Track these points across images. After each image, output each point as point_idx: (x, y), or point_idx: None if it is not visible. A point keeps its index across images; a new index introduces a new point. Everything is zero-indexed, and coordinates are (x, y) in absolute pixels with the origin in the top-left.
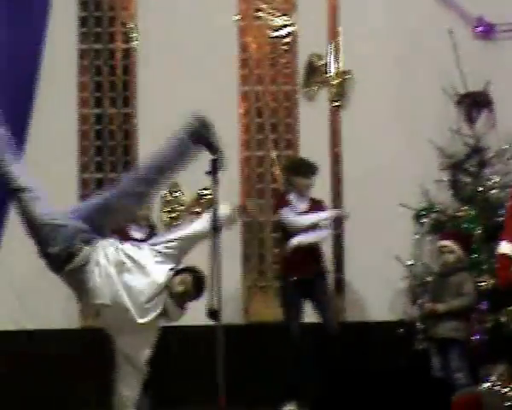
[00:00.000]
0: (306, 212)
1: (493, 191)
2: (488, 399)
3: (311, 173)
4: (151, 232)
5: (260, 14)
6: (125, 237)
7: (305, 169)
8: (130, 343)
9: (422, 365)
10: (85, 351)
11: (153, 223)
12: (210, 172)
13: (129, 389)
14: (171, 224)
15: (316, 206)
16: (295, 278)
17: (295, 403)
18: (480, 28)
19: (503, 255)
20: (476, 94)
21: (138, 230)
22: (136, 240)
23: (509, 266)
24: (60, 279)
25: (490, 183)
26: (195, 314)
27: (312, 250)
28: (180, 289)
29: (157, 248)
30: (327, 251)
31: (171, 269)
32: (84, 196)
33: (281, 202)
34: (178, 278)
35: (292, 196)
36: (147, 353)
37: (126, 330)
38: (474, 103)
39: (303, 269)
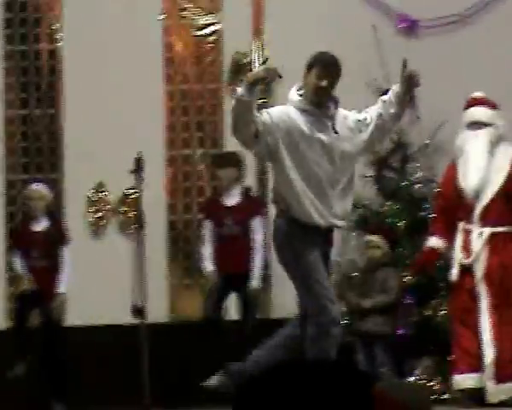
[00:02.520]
0: (235, 207)
1: (417, 186)
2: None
3: (225, 164)
4: None
5: (185, 13)
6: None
7: (219, 159)
8: None
9: (348, 359)
10: None
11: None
12: (134, 172)
13: None
14: (98, 224)
15: (248, 203)
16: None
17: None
18: (403, 24)
19: (431, 248)
20: None
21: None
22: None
23: (434, 258)
24: None
25: (413, 178)
26: (119, 313)
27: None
28: None
29: None
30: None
31: None
32: (10, 198)
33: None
34: None
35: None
36: None
37: None
38: None
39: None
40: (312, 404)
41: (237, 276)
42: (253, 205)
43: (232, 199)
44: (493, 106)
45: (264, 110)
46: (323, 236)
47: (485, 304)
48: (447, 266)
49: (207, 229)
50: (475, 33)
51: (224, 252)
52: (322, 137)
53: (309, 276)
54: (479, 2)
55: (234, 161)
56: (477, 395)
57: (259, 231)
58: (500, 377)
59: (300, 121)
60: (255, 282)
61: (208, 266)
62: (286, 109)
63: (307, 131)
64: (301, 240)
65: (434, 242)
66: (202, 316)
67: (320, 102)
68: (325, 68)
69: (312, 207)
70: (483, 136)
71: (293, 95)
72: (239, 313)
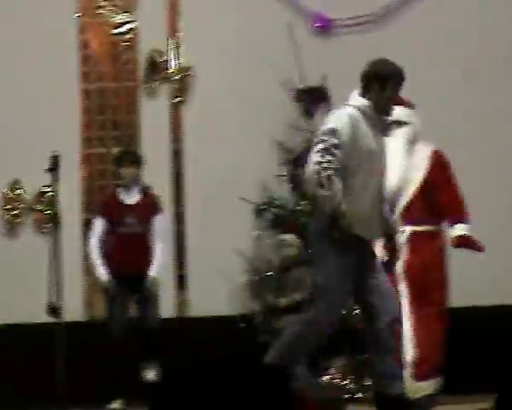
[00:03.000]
0: (136, 206)
1: None
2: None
3: (129, 162)
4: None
5: (101, 11)
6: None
7: (122, 158)
8: None
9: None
10: None
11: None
12: (50, 170)
13: None
14: (13, 222)
15: (148, 201)
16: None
17: (121, 400)
18: (318, 23)
19: None
20: (314, 89)
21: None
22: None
23: None
24: None
25: None
26: (35, 311)
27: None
28: None
29: None
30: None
31: None
32: None
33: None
34: None
35: (119, 190)
36: None
37: None
38: (312, 98)
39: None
40: (231, 401)
41: (139, 275)
42: (153, 203)
43: (132, 197)
44: (409, 105)
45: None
46: (363, 244)
47: (405, 302)
48: None
49: (100, 229)
50: (390, 33)
51: (126, 251)
52: (379, 146)
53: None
54: (394, 2)
55: (136, 159)
56: None
57: (161, 228)
58: (418, 375)
59: (366, 130)
60: (154, 272)
61: (103, 273)
62: (352, 120)
63: (371, 143)
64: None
65: None
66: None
67: (389, 114)
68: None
69: (364, 221)
70: (401, 135)
71: (360, 99)
72: (139, 311)
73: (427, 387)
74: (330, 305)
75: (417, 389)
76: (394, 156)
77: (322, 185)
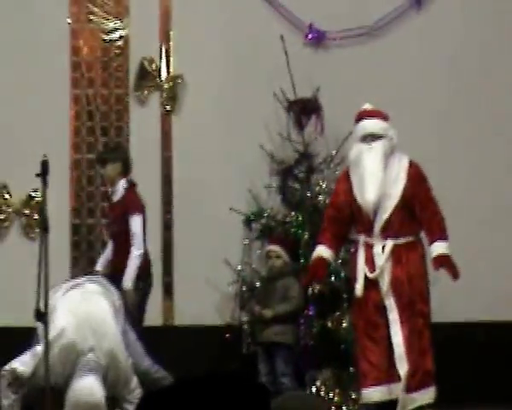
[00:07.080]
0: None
1: (321, 197)
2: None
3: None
4: None
5: (92, 17)
6: None
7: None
8: None
9: (250, 370)
10: None
11: None
12: (40, 175)
13: None
14: (1, 226)
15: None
16: None
17: None
18: (311, 35)
19: (319, 258)
20: (306, 100)
21: None
22: None
23: (323, 267)
24: None
25: (318, 189)
26: (21, 316)
27: None
28: None
29: None
30: (155, 253)
31: None
32: None
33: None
34: None
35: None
36: None
37: None
38: (304, 110)
39: None
40: None
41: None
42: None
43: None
44: (384, 117)
45: None
46: None
47: (393, 317)
48: (349, 278)
49: None
50: (381, 46)
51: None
52: None
53: None
54: (385, 16)
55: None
56: (386, 407)
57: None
58: (411, 387)
59: None
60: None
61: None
62: None
63: None
64: None
65: (322, 251)
66: None
67: None
68: None
69: None
70: (377, 148)
71: None
72: None
73: (420, 398)
74: None
75: (412, 400)
76: (371, 171)
77: None
